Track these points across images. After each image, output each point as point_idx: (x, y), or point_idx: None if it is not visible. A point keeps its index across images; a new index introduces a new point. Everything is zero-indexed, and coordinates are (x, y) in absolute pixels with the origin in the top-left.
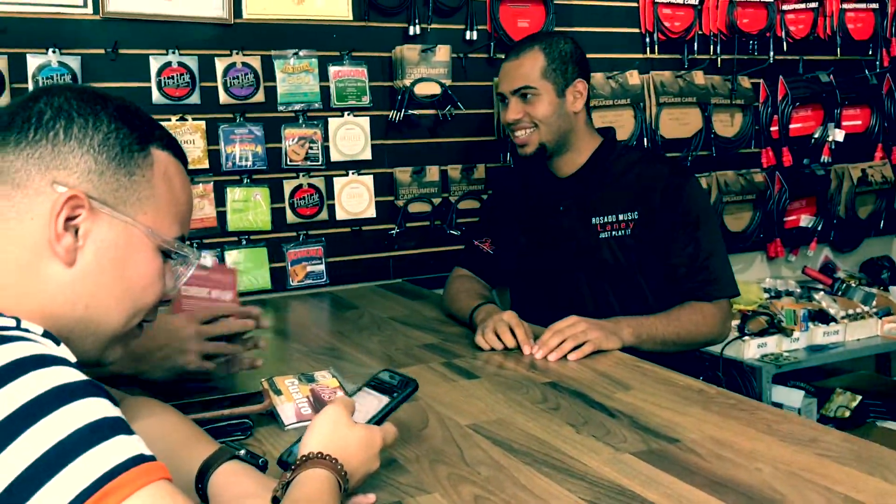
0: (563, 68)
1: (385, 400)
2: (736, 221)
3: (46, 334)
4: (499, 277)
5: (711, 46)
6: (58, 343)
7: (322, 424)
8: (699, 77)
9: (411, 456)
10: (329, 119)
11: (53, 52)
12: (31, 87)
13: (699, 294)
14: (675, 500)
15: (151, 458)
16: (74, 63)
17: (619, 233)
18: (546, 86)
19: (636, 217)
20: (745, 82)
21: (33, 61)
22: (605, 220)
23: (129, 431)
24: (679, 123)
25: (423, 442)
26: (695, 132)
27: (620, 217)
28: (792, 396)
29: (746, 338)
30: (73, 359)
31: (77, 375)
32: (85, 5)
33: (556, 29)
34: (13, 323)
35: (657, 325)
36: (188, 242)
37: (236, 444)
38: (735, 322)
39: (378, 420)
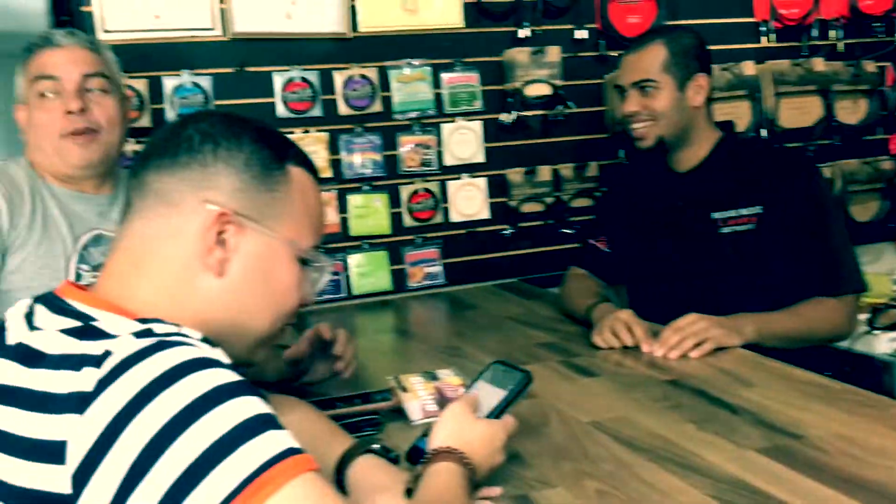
0: (685, 62)
1: (502, 393)
2: (863, 211)
3: (205, 339)
4: (615, 276)
5: (832, 32)
6: (214, 346)
7: (448, 421)
8: (819, 64)
9: (534, 451)
10: (442, 125)
11: (187, 73)
12: (167, 106)
13: (825, 289)
14: (802, 498)
15: (301, 451)
16: (205, 82)
17: (742, 227)
18: (666, 79)
19: (760, 211)
20: (870, 66)
21: (169, 83)
22: (727, 214)
23: (280, 426)
24: (799, 113)
25: (544, 438)
26: (816, 121)
27: (743, 212)
28: None
29: (877, 332)
30: (227, 361)
31: (233, 376)
32: (214, 28)
33: (668, 23)
34: (175, 329)
35: (781, 322)
36: (321, 250)
37: (368, 439)
38: (864, 316)
39: (497, 413)
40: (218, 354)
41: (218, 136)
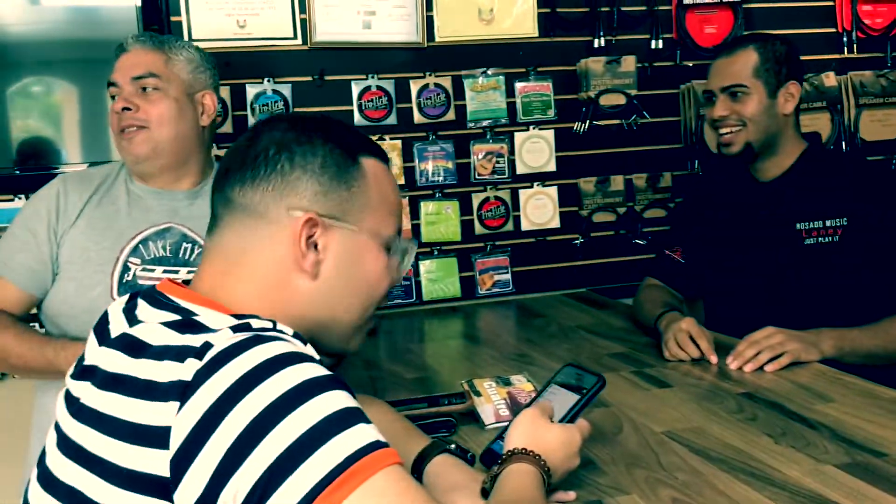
0: (777, 69)
1: (575, 397)
2: None
3: (296, 335)
4: (691, 287)
5: None
6: (305, 343)
7: (524, 424)
8: None
9: (608, 458)
10: (515, 133)
11: (268, 81)
12: (249, 113)
13: None
14: None
15: (387, 445)
16: (286, 90)
17: (827, 239)
18: (757, 85)
19: (845, 223)
20: None
21: (251, 90)
22: (812, 225)
23: (368, 420)
24: (882, 125)
25: (618, 446)
26: None
27: (828, 223)
28: None
29: None
30: (317, 357)
31: (323, 371)
32: (295, 37)
33: (746, 32)
34: (270, 325)
35: (862, 339)
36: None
37: (443, 440)
38: None
39: (571, 416)
40: (309, 350)
41: (291, 143)
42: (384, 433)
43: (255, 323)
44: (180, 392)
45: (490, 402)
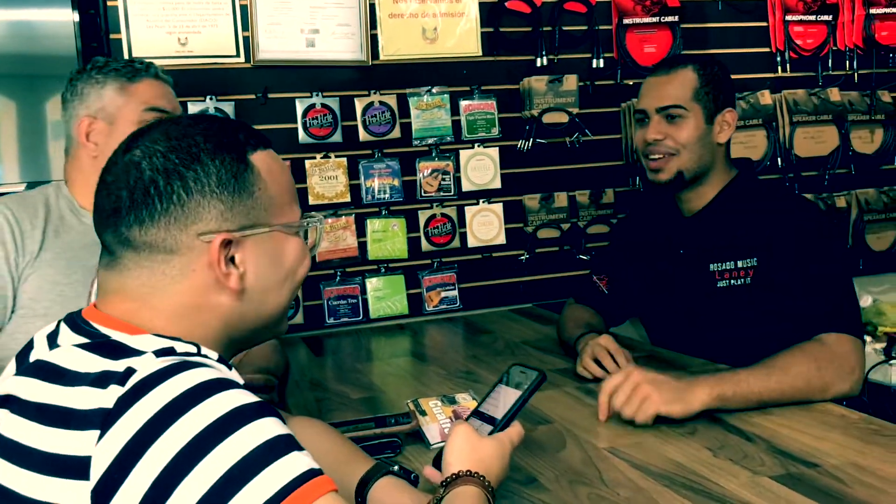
0: (716, 93)
1: (517, 393)
2: (879, 241)
3: (221, 359)
4: (613, 318)
5: (847, 62)
6: (230, 368)
7: (459, 444)
8: (835, 94)
9: (551, 476)
10: (460, 151)
11: (211, 99)
12: None
13: (814, 327)
14: None
15: (321, 473)
16: (229, 108)
17: (738, 282)
18: (696, 109)
19: (755, 264)
20: (886, 96)
21: (193, 108)
22: (724, 267)
23: (301, 448)
24: (815, 142)
25: (561, 462)
26: (832, 150)
27: (739, 264)
28: None
29: (893, 361)
30: (242, 381)
31: (251, 397)
32: (238, 55)
33: (685, 52)
34: (194, 349)
35: (751, 381)
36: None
37: (387, 461)
38: (880, 345)
39: (514, 413)
40: (235, 376)
41: (178, 167)
42: (326, 456)
43: (179, 347)
44: (101, 420)
45: (435, 422)
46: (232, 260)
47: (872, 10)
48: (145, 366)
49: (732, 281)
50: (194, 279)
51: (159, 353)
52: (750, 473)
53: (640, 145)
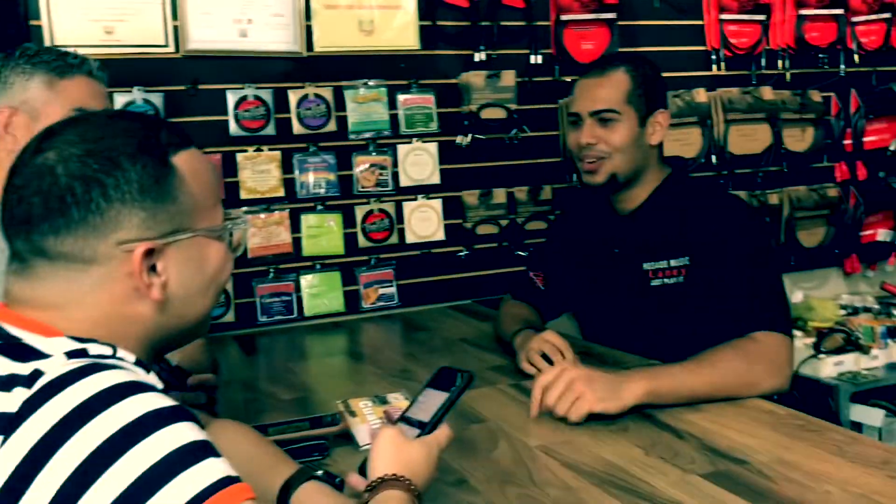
0: (648, 95)
1: (444, 395)
2: (810, 237)
3: (138, 363)
4: (550, 312)
5: (780, 61)
6: (147, 372)
7: (385, 447)
8: (768, 92)
9: (482, 477)
10: (398, 146)
11: (138, 89)
12: None
13: (745, 325)
14: None
15: (238, 480)
16: (157, 99)
17: (671, 280)
18: (629, 112)
19: (687, 263)
20: (816, 96)
21: (120, 99)
22: (657, 266)
23: (217, 454)
24: (748, 140)
25: (492, 463)
26: (765, 148)
27: (672, 263)
28: (872, 415)
29: (822, 356)
30: (160, 386)
31: (167, 401)
32: (167, 44)
33: (623, 50)
34: (110, 351)
35: (683, 377)
36: (227, 212)
37: (314, 464)
38: (810, 340)
39: (441, 415)
40: (152, 379)
41: (97, 173)
42: (248, 462)
43: (92, 349)
44: (5, 425)
45: (365, 422)
46: (153, 268)
47: (803, 11)
48: (54, 368)
49: (666, 279)
50: (114, 289)
51: (71, 354)
52: (680, 472)
53: (573, 148)
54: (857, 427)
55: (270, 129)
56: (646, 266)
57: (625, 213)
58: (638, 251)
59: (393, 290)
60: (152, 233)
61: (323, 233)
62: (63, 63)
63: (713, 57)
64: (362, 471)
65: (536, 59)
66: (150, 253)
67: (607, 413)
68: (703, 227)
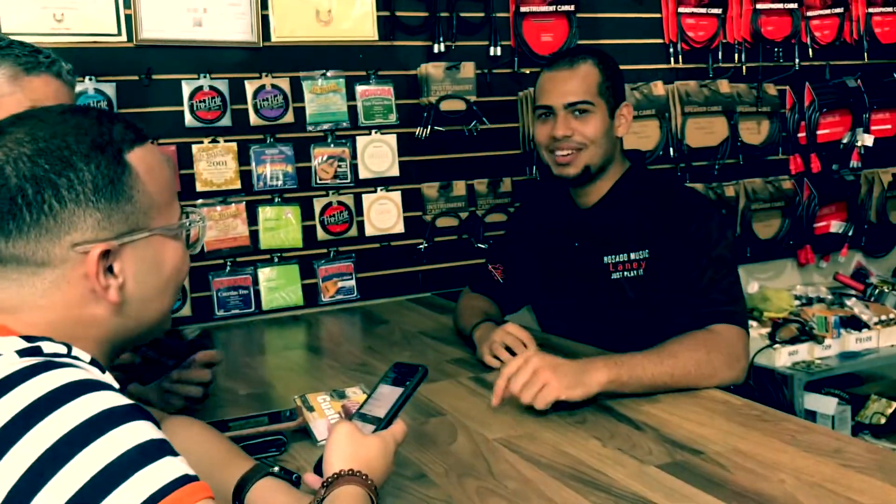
0: (615, 88)
1: (399, 390)
2: (765, 229)
3: (93, 362)
4: (509, 306)
5: (736, 55)
6: (103, 371)
7: (340, 442)
8: (724, 86)
9: (440, 470)
10: (357, 137)
11: (90, 79)
12: None
13: (704, 316)
14: None
15: (195, 478)
16: (110, 90)
17: (632, 273)
18: (601, 104)
19: (647, 256)
20: (771, 89)
21: None
22: (617, 259)
23: (174, 453)
24: (705, 132)
25: (451, 456)
26: (721, 141)
27: (632, 256)
28: (825, 404)
29: (777, 346)
30: (116, 385)
31: (123, 400)
32: (119, 33)
33: (580, 42)
34: (64, 350)
35: (645, 366)
36: (183, 209)
37: (271, 459)
38: (765, 330)
39: (396, 410)
40: (108, 379)
41: (49, 174)
42: (203, 458)
43: (46, 347)
44: None
45: (323, 417)
46: (110, 269)
47: (759, 6)
48: (6, 365)
49: (626, 273)
50: (69, 292)
51: (23, 353)
52: (637, 463)
53: (543, 140)
54: (811, 415)
55: (227, 121)
56: (606, 259)
57: (585, 206)
58: (598, 244)
59: (352, 283)
60: (108, 233)
61: (281, 225)
62: (34, 60)
63: (671, 50)
64: (318, 469)
65: (496, 51)
66: (105, 254)
67: (572, 400)
68: (662, 221)
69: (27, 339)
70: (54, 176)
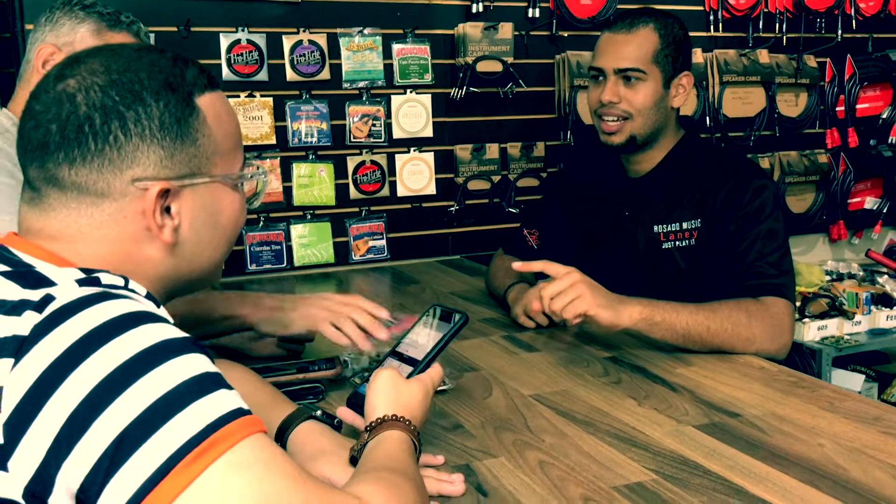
0: (675, 56)
1: (438, 335)
2: (798, 203)
3: (149, 296)
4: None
5: (777, 24)
6: (158, 306)
7: (384, 388)
8: (764, 56)
9: (477, 422)
10: (392, 96)
11: None
12: None
13: (751, 287)
14: (738, 472)
15: (249, 412)
16: (149, 40)
17: (684, 243)
18: (655, 72)
19: (699, 225)
20: (811, 61)
21: None
22: (669, 228)
23: (229, 387)
24: (742, 103)
25: (487, 409)
26: (758, 112)
27: (684, 225)
28: (852, 380)
29: (806, 320)
30: (171, 320)
31: (179, 333)
32: None
33: (620, 7)
34: (122, 282)
35: (680, 311)
36: (246, 160)
37: (309, 406)
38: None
39: (434, 355)
40: (163, 313)
41: (118, 105)
42: (246, 400)
43: (104, 278)
44: (15, 348)
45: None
46: (167, 210)
47: None
48: (65, 293)
49: (678, 242)
50: (124, 227)
51: (82, 282)
52: (674, 422)
53: (593, 103)
54: None
55: (263, 75)
56: (657, 228)
57: (637, 175)
58: (650, 213)
59: (383, 242)
60: (169, 172)
61: (314, 182)
62: (115, 18)
63: (711, 18)
64: (350, 404)
65: (534, 13)
66: (165, 193)
67: (600, 322)
68: (715, 190)
69: (85, 270)
70: (123, 108)
